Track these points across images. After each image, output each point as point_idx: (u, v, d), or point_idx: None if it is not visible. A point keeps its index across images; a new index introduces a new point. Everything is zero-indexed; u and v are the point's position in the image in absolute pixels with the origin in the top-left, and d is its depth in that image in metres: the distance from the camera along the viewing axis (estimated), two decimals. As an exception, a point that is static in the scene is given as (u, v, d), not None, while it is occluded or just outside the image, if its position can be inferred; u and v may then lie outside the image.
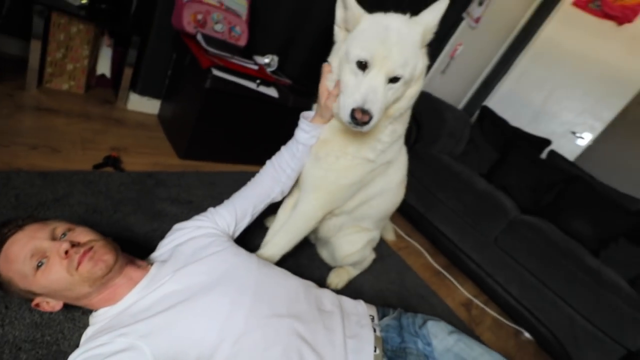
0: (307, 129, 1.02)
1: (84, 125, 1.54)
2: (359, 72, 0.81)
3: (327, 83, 0.95)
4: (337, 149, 1.01)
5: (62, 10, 1.49)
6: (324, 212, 1.12)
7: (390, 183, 1.18)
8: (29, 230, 0.69)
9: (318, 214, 1.12)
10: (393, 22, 0.81)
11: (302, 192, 1.11)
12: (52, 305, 0.73)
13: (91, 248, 0.70)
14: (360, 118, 0.78)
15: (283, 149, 1.09)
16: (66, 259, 0.67)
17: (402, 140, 1.11)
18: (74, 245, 0.69)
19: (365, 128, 0.80)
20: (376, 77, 0.79)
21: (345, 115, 0.80)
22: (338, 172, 1.03)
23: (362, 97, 0.78)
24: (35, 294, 0.70)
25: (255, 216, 1.08)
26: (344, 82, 0.85)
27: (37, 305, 0.72)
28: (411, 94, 0.91)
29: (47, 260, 0.67)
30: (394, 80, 0.81)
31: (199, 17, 1.57)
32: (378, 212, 1.27)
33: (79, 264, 0.67)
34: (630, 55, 2.65)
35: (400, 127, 1.03)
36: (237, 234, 1.05)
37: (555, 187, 2.16)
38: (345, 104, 0.81)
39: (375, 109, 0.78)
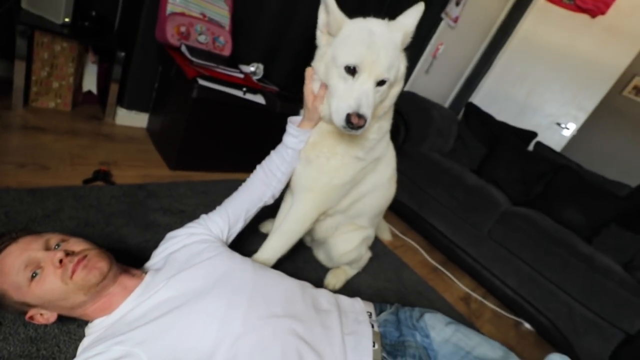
0: (295, 133, 1.04)
1: (72, 141, 1.54)
2: (348, 77, 0.83)
3: (311, 86, 0.97)
4: (326, 150, 1.03)
5: (45, 29, 1.50)
6: (318, 212, 1.13)
7: (381, 179, 1.20)
8: (22, 243, 0.69)
9: (312, 215, 1.13)
10: (376, 27, 0.85)
11: (295, 194, 1.12)
12: (47, 317, 0.72)
13: (85, 256, 0.70)
14: (356, 122, 0.81)
15: (273, 153, 1.10)
16: (60, 268, 0.67)
17: (388, 136, 1.13)
18: (68, 254, 0.69)
19: (360, 131, 0.83)
20: (367, 81, 0.82)
21: (340, 120, 0.82)
22: (330, 173, 1.04)
23: (357, 102, 0.81)
24: (30, 306, 0.69)
25: (248, 220, 1.09)
26: (333, 86, 0.88)
27: (32, 318, 0.71)
28: (394, 93, 0.96)
29: (41, 271, 0.67)
30: (381, 83, 0.85)
31: (182, 29, 1.59)
32: (372, 209, 1.28)
33: (73, 272, 0.68)
34: (605, 46, 2.73)
35: (385, 124, 1.06)
36: (230, 239, 1.05)
37: (544, 177, 2.20)
38: (339, 109, 0.83)
39: (368, 113, 0.82)
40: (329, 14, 0.87)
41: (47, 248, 0.70)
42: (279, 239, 1.15)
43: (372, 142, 1.03)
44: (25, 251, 0.68)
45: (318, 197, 1.09)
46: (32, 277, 0.67)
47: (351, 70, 0.83)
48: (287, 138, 1.06)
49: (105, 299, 0.73)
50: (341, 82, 0.85)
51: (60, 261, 0.67)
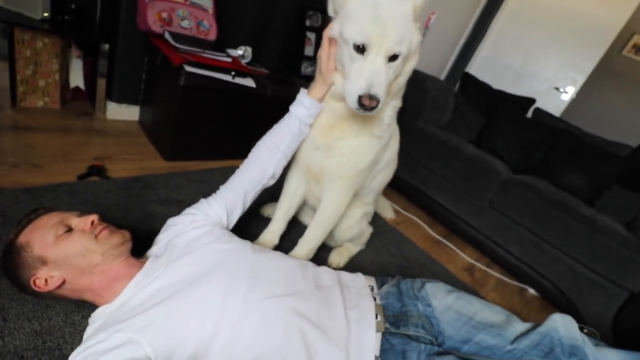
0: (308, 105, 0.99)
1: (64, 139, 1.53)
2: (358, 55, 0.80)
3: (327, 48, 0.91)
4: (344, 132, 1.01)
5: (25, 26, 1.46)
6: (351, 195, 1.14)
7: (392, 154, 1.20)
8: (59, 211, 0.81)
9: (346, 200, 1.14)
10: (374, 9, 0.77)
11: (325, 184, 1.12)
12: (53, 281, 0.73)
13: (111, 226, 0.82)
14: (368, 104, 0.78)
15: (276, 126, 1.06)
16: (89, 229, 0.76)
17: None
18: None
19: (374, 112, 0.81)
20: (376, 59, 0.78)
21: (353, 102, 0.80)
22: (353, 156, 1.03)
23: (367, 83, 0.78)
24: (45, 263, 0.72)
25: (247, 204, 1.07)
26: (344, 65, 0.84)
27: (36, 280, 0.72)
28: (409, 68, 0.91)
29: (70, 233, 0.75)
30: (393, 58, 0.80)
31: (164, 15, 1.55)
32: (381, 184, 1.29)
33: (100, 232, 0.77)
34: (601, 4, 2.65)
35: (399, 102, 1.03)
36: (232, 224, 1.05)
37: (544, 143, 2.17)
38: (351, 91, 0.81)
39: (380, 92, 0.79)
40: None
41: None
42: (319, 230, 1.18)
43: (388, 119, 1.01)
44: (61, 214, 0.78)
45: (348, 182, 1.09)
46: (60, 235, 0.73)
47: (360, 49, 0.79)
48: (297, 108, 1.01)
49: (111, 277, 0.76)
50: (351, 61, 0.81)
51: (92, 223, 0.77)
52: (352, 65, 0.81)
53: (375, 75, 0.78)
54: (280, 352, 0.70)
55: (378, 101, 0.78)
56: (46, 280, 0.73)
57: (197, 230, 0.90)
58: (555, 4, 2.82)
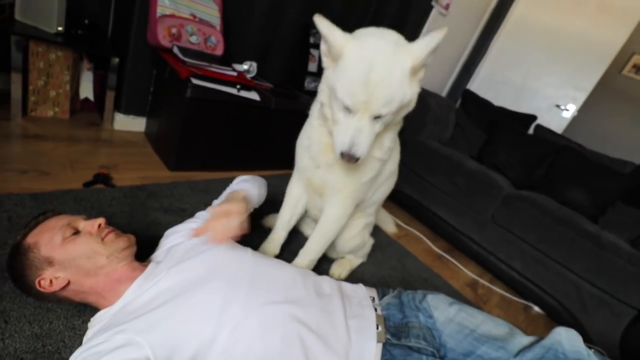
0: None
1: (72, 148, 1.56)
2: (346, 111, 0.82)
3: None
4: None
5: (40, 39, 1.52)
6: (352, 207, 1.16)
7: (393, 166, 1.22)
8: (67, 214, 0.82)
9: (347, 212, 1.15)
10: (378, 56, 0.76)
11: (327, 196, 1.14)
12: (58, 282, 0.73)
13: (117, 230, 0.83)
14: (347, 161, 0.84)
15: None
16: (96, 231, 0.78)
17: None
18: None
19: (358, 162, 0.85)
20: (362, 119, 0.81)
21: (337, 154, 0.85)
22: (354, 172, 1.05)
23: (349, 142, 0.81)
24: (52, 264, 0.73)
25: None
26: (334, 116, 0.87)
27: (41, 281, 0.73)
28: (403, 113, 0.93)
29: (77, 235, 0.76)
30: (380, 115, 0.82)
31: (173, 30, 1.60)
32: (383, 196, 1.31)
33: (106, 235, 0.79)
34: (600, 25, 2.71)
35: (398, 128, 1.06)
36: None
37: (546, 159, 2.19)
38: (336, 143, 0.85)
39: (361, 149, 0.82)
40: (326, 42, 0.82)
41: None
42: (320, 241, 1.19)
43: (389, 142, 1.04)
44: (69, 217, 0.79)
45: (350, 195, 1.11)
46: (68, 237, 0.75)
47: (347, 109, 0.81)
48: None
49: (114, 279, 0.77)
50: (340, 114, 0.84)
51: (99, 226, 0.79)
52: (339, 118, 0.84)
53: (358, 134, 0.81)
54: (280, 358, 0.69)
55: (358, 159, 0.83)
56: (51, 281, 0.73)
57: (198, 238, 0.91)
58: (554, 24, 2.89)
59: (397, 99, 0.80)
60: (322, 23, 0.80)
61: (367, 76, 0.75)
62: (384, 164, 1.10)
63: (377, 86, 0.76)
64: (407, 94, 0.81)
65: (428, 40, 0.78)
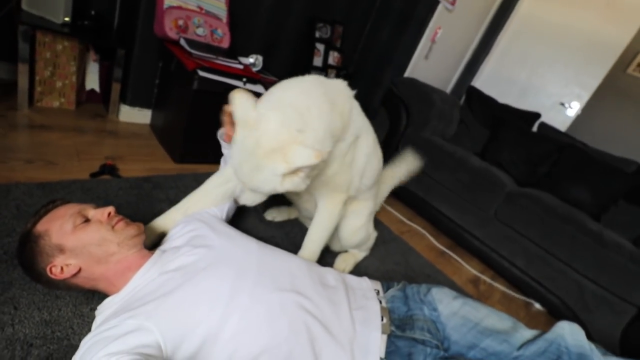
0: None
1: (78, 138, 1.56)
2: None
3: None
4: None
5: (46, 29, 1.51)
6: (343, 198, 1.16)
7: (368, 147, 1.15)
8: (76, 203, 0.83)
9: (339, 202, 1.16)
10: (257, 149, 0.76)
11: (314, 196, 1.17)
12: (69, 269, 0.74)
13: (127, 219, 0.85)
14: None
15: None
16: (106, 220, 0.79)
17: (358, 109, 1.09)
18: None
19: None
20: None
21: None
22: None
23: (243, 202, 0.92)
24: (63, 251, 0.74)
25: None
26: None
27: (53, 267, 0.74)
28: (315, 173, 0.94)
29: (88, 223, 0.77)
30: None
31: (180, 22, 1.60)
32: (373, 177, 1.27)
33: (116, 223, 0.80)
34: (606, 23, 2.69)
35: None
36: (230, 215, 1.16)
37: (549, 157, 2.18)
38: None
39: (248, 202, 0.91)
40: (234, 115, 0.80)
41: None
42: (317, 233, 1.19)
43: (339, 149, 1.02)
44: (79, 206, 0.80)
45: (331, 190, 1.11)
46: (78, 224, 0.76)
47: None
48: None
49: (125, 265, 0.78)
50: None
51: (109, 214, 0.80)
52: None
53: (246, 201, 0.91)
54: (286, 345, 0.70)
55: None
56: (62, 268, 0.74)
57: (203, 228, 0.92)
58: (560, 21, 2.87)
59: (266, 191, 0.84)
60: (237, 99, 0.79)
61: (240, 166, 0.81)
62: (351, 151, 1.06)
63: (246, 177, 0.81)
64: (277, 188, 0.81)
65: (307, 157, 0.75)
